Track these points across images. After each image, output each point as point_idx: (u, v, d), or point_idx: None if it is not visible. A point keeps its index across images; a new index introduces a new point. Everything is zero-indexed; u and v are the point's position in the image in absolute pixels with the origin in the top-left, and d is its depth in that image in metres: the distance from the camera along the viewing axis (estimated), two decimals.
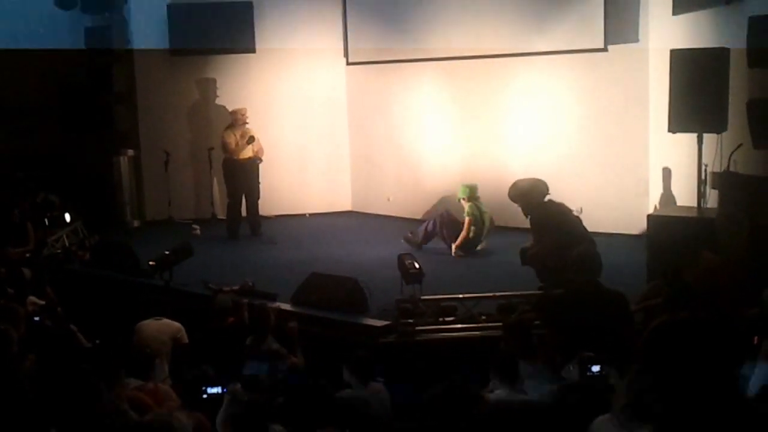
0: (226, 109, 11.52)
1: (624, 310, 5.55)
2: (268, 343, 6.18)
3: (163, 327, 6.56)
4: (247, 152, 10.74)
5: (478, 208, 9.48)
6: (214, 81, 12.04)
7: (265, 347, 6.13)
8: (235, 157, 10.69)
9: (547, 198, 7.51)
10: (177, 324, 6.63)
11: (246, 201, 10.87)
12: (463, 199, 9.54)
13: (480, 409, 4.23)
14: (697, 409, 1.97)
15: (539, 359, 5.18)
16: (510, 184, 7.88)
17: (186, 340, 6.57)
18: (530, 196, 7.42)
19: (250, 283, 7.77)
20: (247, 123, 10.80)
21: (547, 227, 7.22)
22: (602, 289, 5.59)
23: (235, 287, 7.69)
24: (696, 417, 1.97)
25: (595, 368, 4.50)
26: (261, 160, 10.88)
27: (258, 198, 10.93)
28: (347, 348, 6.03)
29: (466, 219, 9.39)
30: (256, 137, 10.76)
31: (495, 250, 9.39)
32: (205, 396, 4.59)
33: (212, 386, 4.61)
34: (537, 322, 5.82)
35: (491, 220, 9.60)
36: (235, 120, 10.79)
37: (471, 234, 9.36)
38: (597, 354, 4.59)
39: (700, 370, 1.99)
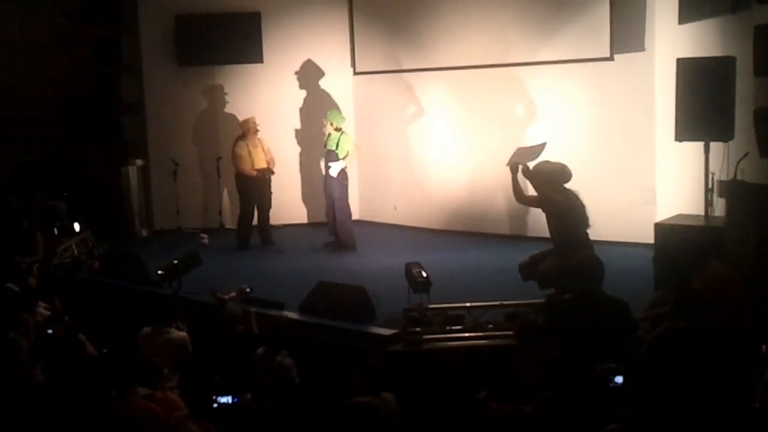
0: (233, 120, 11.57)
1: (625, 318, 5.53)
2: (281, 357, 6.18)
3: (167, 339, 6.53)
4: (261, 163, 10.75)
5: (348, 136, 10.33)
6: (222, 91, 12.10)
7: (277, 361, 6.13)
8: (249, 170, 10.65)
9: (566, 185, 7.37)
10: (182, 334, 6.62)
11: (258, 211, 10.85)
12: (333, 124, 10.25)
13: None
14: (702, 418, 1.97)
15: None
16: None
17: (189, 350, 6.53)
18: (553, 177, 7.27)
19: (247, 289, 7.79)
20: (258, 131, 10.80)
21: (556, 212, 7.13)
22: (603, 297, 5.57)
23: (232, 293, 7.68)
24: (701, 426, 1.97)
25: (618, 379, 4.39)
26: (273, 173, 10.83)
27: (269, 208, 10.93)
28: (355, 356, 6.04)
29: (351, 149, 10.30)
30: (268, 151, 10.82)
31: (503, 259, 9.39)
32: (215, 405, 4.61)
33: (222, 395, 4.62)
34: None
35: None
36: (247, 130, 10.72)
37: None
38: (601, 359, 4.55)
39: (703, 379, 1.99)
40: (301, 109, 12.10)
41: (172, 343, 6.47)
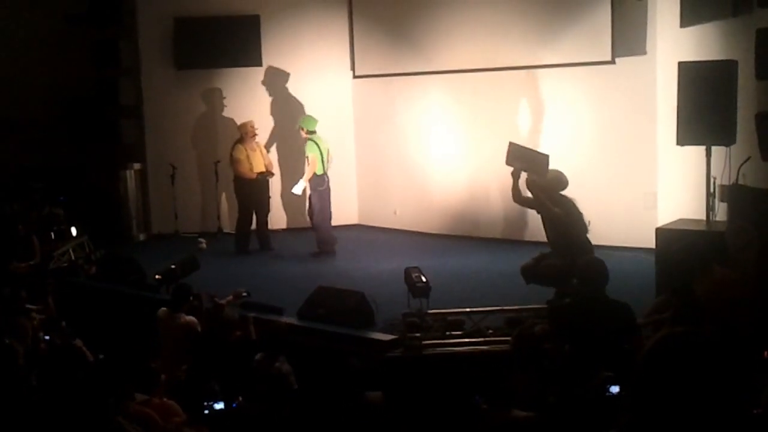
0: (232, 123, 11.54)
1: (629, 321, 5.49)
2: (280, 363, 6.13)
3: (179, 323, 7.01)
4: (259, 166, 10.70)
5: (317, 144, 10.15)
6: (221, 95, 12.07)
7: (275, 367, 6.08)
8: (248, 172, 10.62)
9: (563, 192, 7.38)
10: (192, 318, 7.03)
11: (256, 216, 10.81)
12: (304, 129, 10.22)
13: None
14: (701, 425, 1.93)
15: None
16: None
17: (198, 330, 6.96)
18: (549, 186, 7.28)
19: (245, 294, 7.75)
20: (256, 135, 10.77)
21: (552, 220, 7.14)
22: (606, 301, 5.55)
23: (229, 297, 7.64)
24: None
25: (614, 389, 4.34)
26: (272, 175, 10.84)
27: (268, 212, 10.91)
28: (338, 358, 6.01)
29: (310, 156, 10.11)
30: (266, 155, 10.79)
31: (503, 263, 9.35)
32: (211, 411, 4.57)
33: (217, 401, 4.58)
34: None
35: (328, 151, 10.32)
36: (245, 133, 10.70)
37: (318, 170, 10.14)
38: (601, 366, 4.51)
39: (702, 385, 1.95)
40: (299, 113, 12.05)
41: (183, 326, 6.95)
